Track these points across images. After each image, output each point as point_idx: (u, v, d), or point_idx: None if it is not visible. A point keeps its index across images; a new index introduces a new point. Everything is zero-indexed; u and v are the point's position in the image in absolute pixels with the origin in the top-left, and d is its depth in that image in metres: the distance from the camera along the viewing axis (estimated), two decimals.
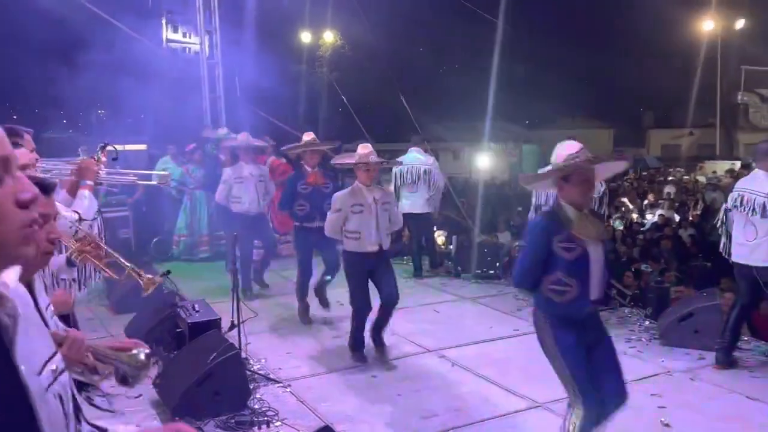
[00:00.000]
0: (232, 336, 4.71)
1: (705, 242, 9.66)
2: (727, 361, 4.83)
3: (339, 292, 6.96)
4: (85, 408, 1.85)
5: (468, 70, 29.18)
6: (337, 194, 5.07)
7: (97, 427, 1.33)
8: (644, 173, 22.67)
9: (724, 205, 5.05)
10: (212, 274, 7.91)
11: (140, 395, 4.25)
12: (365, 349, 5.16)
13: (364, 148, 5.05)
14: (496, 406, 4.23)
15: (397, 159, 7.69)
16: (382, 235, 5.00)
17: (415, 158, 8.00)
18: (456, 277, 7.91)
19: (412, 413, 4.16)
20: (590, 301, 3.12)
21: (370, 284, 5.09)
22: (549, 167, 3.32)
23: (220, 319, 4.93)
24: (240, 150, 7.21)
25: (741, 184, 4.81)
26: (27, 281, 1.33)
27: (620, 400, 3.23)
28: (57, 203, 1.97)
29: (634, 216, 13.17)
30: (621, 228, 11.55)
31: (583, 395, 3.10)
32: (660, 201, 14.48)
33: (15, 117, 19.97)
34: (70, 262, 2.77)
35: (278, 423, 4.00)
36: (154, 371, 4.60)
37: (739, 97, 32.31)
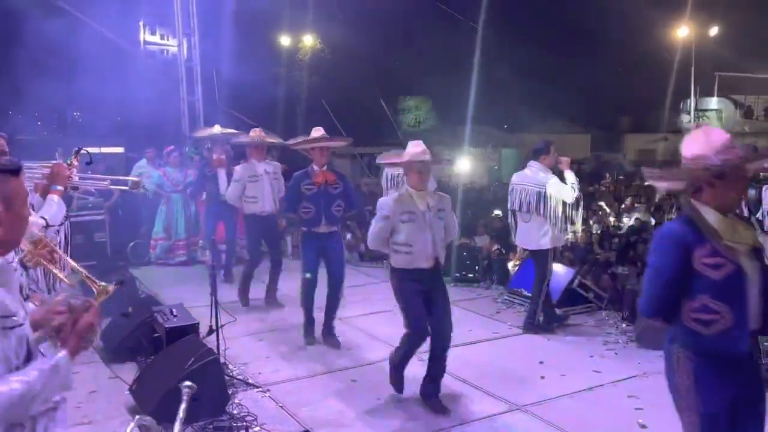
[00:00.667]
0: (210, 341, 4.67)
1: None
2: None
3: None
4: (60, 413, 1.82)
5: (448, 74, 29.33)
6: (384, 199, 4.35)
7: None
8: (621, 177, 22.93)
9: None
10: (190, 278, 7.84)
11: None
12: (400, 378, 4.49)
13: (417, 146, 4.29)
14: (476, 409, 4.25)
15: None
16: (438, 247, 4.26)
17: None
18: None
19: (392, 417, 4.16)
20: (748, 333, 2.41)
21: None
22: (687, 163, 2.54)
23: (198, 323, 4.88)
24: (252, 147, 6.75)
25: None
26: None
27: None
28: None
29: (611, 219, 13.32)
30: (598, 231, 11.68)
31: None
32: (637, 205, 14.67)
33: None
34: (22, 265, 2.72)
35: (257, 428, 3.97)
36: (130, 375, 4.55)
37: (713, 102, 32.93)
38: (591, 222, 12.13)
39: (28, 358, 1.70)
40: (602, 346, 5.52)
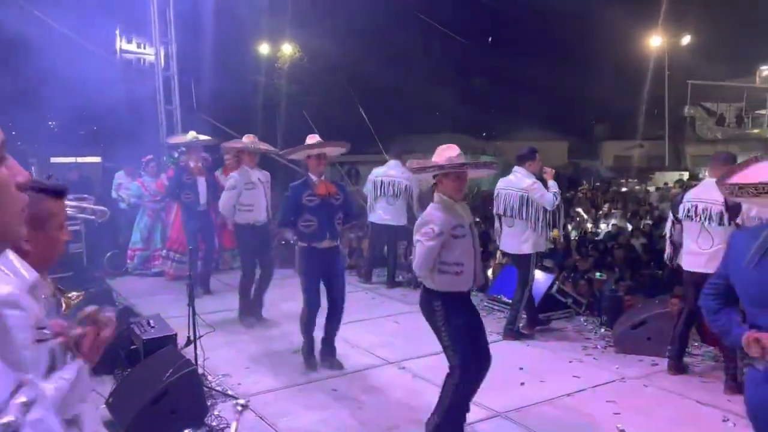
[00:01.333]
0: (188, 352, 4.62)
1: (656, 251, 9.95)
2: (678, 367, 4.97)
3: (293, 305, 6.91)
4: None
5: (426, 82, 29.51)
6: (432, 213, 3.61)
7: None
8: (597, 184, 23.23)
9: (670, 216, 5.17)
10: (168, 288, 7.76)
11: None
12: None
13: (452, 149, 3.66)
14: None
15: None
16: (479, 267, 3.81)
17: (398, 171, 7.84)
18: (416, 288, 7.93)
19: (373, 426, 4.14)
20: None
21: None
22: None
23: (176, 334, 4.83)
24: (246, 154, 6.45)
25: (693, 194, 4.87)
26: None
27: None
28: None
29: (589, 226, 13.47)
30: (576, 237, 11.81)
31: None
32: (613, 211, 14.86)
33: None
34: None
35: None
36: (106, 388, 4.48)
37: (686, 110, 33.54)
38: (569, 228, 12.25)
39: (51, 369, 1.71)
40: (581, 351, 5.57)
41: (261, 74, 26.09)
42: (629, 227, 12.54)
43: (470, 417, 4.13)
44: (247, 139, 6.55)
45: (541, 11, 31.34)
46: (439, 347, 3.96)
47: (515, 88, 31.25)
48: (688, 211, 4.78)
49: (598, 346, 5.68)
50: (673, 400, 4.53)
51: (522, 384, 4.78)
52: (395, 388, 4.79)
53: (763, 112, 33.81)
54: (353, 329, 5.92)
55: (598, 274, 8.47)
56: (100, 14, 11.52)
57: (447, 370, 3.76)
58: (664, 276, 8.48)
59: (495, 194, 6.00)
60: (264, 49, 27.47)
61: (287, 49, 28.81)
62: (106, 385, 4.67)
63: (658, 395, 4.62)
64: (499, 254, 7.58)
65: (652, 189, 20.87)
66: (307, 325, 5.13)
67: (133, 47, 12.34)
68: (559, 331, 6.17)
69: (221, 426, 4.07)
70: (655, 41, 31.05)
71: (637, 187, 21.94)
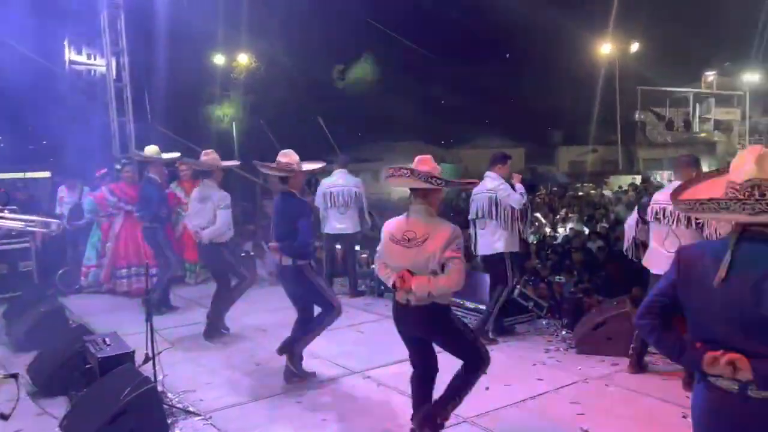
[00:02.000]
0: (147, 369, 4.48)
1: (612, 253, 10.15)
2: (638, 365, 5.07)
3: (262, 317, 6.81)
4: None
5: (385, 91, 29.64)
6: (455, 226, 3.54)
7: None
8: (554, 189, 23.64)
9: (635, 217, 5.24)
10: (124, 305, 7.56)
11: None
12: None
13: (428, 162, 3.65)
14: None
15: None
16: None
17: (345, 180, 7.95)
18: (379, 296, 7.93)
19: None
20: None
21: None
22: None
23: (133, 351, 4.68)
24: (217, 171, 6.32)
25: (660, 196, 4.92)
26: None
27: None
28: None
29: (547, 230, 13.68)
30: (534, 242, 11.96)
31: None
32: (570, 215, 15.14)
33: None
34: None
35: None
36: (61, 410, 4.31)
37: (637, 115, 34.53)
38: (528, 233, 12.40)
39: None
40: (544, 354, 5.63)
41: (217, 85, 25.81)
42: (586, 230, 12.78)
43: None
44: (207, 157, 6.35)
45: (496, 21, 31.88)
46: (405, 355, 3.94)
47: (473, 96, 31.71)
48: (657, 213, 4.85)
49: (561, 348, 5.75)
50: (635, 398, 4.60)
51: (487, 389, 4.78)
52: (360, 397, 4.74)
53: (709, 116, 35.07)
54: (316, 339, 5.84)
55: (557, 277, 8.58)
56: (48, 25, 11.20)
57: (409, 379, 3.77)
58: (622, 277, 8.65)
59: (471, 201, 6.17)
60: (219, 59, 27.20)
61: (243, 59, 28.59)
62: (60, 406, 4.50)
63: (619, 395, 4.69)
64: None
65: (607, 192, 21.35)
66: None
67: (83, 58, 12.01)
68: (522, 334, 6.22)
69: None
70: (605, 49, 31.91)
71: (592, 191, 22.42)
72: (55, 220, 7.54)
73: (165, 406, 4.32)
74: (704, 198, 2.11)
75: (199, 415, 4.44)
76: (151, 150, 7.38)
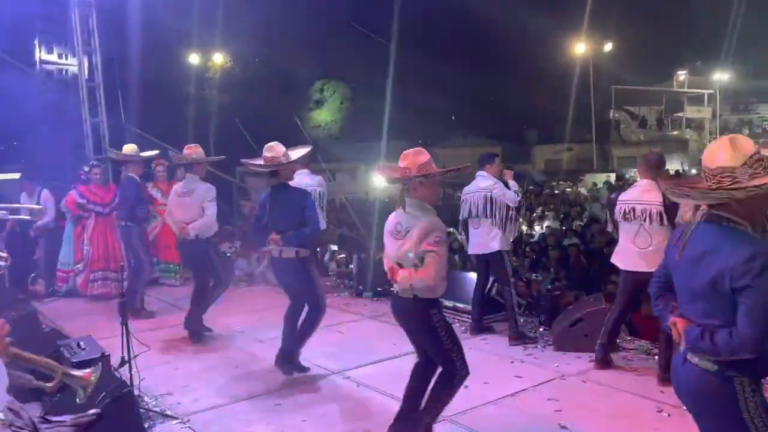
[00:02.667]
0: (123, 373, 4.42)
1: (588, 250, 10.28)
2: (604, 361, 5.13)
3: (240, 318, 6.77)
4: None
5: (363, 90, 29.63)
6: (434, 220, 3.52)
7: None
8: (531, 187, 23.86)
9: (608, 216, 5.34)
10: (99, 309, 7.44)
11: None
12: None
13: (423, 155, 3.62)
14: None
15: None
16: None
17: (309, 179, 7.83)
18: (358, 296, 7.92)
19: None
20: None
21: None
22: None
23: (108, 355, 4.60)
24: (199, 165, 6.22)
25: (628, 196, 4.98)
26: None
27: None
28: None
29: (524, 228, 13.80)
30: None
31: None
32: (547, 213, 15.29)
33: None
34: None
35: None
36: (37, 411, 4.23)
37: (611, 114, 35.02)
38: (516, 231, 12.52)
39: None
40: (522, 351, 5.67)
41: (192, 84, 25.55)
42: (563, 228, 12.92)
43: None
44: (193, 150, 6.26)
45: (471, 21, 32.05)
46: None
47: (449, 96, 31.84)
48: (625, 213, 4.90)
49: (538, 346, 5.79)
50: (611, 394, 4.66)
51: (466, 386, 4.78)
52: (340, 398, 4.73)
53: (680, 114, 35.67)
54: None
55: (534, 275, 8.67)
56: (16, 23, 10.97)
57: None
58: (597, 274, 8.77)
59: (462, 201, 6.13)
60: (194, 59, 26.94)
61: (218, 58, 28.35)
62: (34, 412, 4.41)
63: (596, 390, 4.75)
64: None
65: (583, 190, 21.61)
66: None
67: (54, 57, 11.79)
68: (500, 332, 6.25)
69: None
70: (579, 48, 32.29)
71: (568, 189, 22.66)
72: (36, 206, 7.46)
73: (142, 410, 4.26)
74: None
75: (176, 418, 4.39)
76: (129, 148, 7.29)
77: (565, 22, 31.15)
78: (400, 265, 3.55)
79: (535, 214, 15.67)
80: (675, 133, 35.55)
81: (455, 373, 3.67)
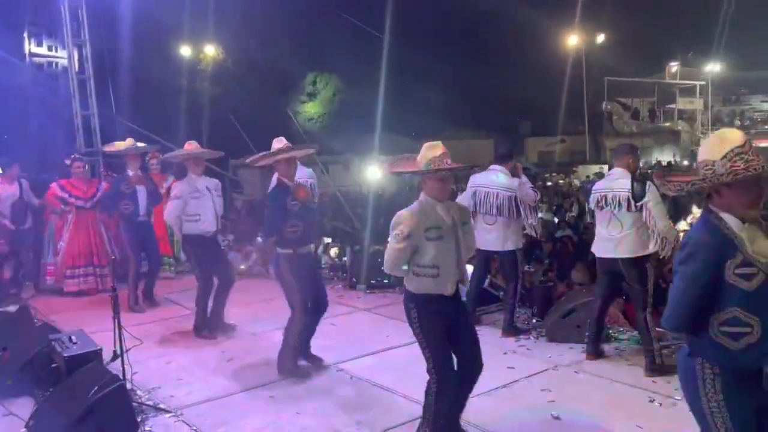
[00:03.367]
0: (115, 367, 4.41)
1: (580, 241, 10.29)
2: (595, 352, 5.17)
3: (233, 311, 6.75)
4: None
5: (355, 83, 29.53)
6: (403, 214, 3.52)
7: None
8: None
9: (587, 206, 5.44)
10: (92, 303, 7.41)
11: None
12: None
13: (435, 149, 3.52)
14: (399, 414, 4.24)
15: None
16: (464, 269, 3.62)
17: (300, 173, 7.80)
18: (351, 288, 7.92)
19: (312, 431, 4.07)
20: None
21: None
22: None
23: (101, 349, 4.60)
24: (191, 162, 6.17)
25: (600, 185, 5.14)
26: None
27: None
28: None
29: (531, 221, 13.79)
30: None
31: None
32: (540, 204, 15.30)
33: None
34: None
35: None
36: (27, 411, 4.22)
37: (604, 105, 35.04)
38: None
39: None
40: (515, 342, 5.69)
41: (183, 77, 25.39)
42: (556, 220, 12.93)
43: (413, 414, 4.10)
44: (190, 147, 6.26)
45: (464, 13, 31.96)
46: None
47: (442, 88, 31.77)
48: (598, 201, 5.02)
49: (531, 337, 5.81)
50: (603, 384, 4.69)
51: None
52: (334, 390, 4.74)
53: (673, 106, 35.76)
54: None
55: (527, 266, 8.67)
56: (5, 15, 10.86)
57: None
58: (590, 265, 8.78)
59: (472, 192, 5.97)
60: (186, 51, 26.76)
61: (210, 50, 28.18)
62: (26, 407, 4.39)
63: (589, 381, 4.77)
64: None
65: (576, 182, 21.66)
66: (301, 333, 5.06)
67: (43, 50, 11.66)
68: (493, 324, 6.27)
69: None
70: (572, 40, 32.25)
71: (561, 181, 22.70)
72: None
73: (134, 404, 4.25)
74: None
75: (169, 411, 4.38)
76: (125, 143, 7.31)
77: (558, 14, 31.11)
78: None
79: None
80: (667, 124, 35.64)
81: (431, 381, 3.59)
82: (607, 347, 5.38)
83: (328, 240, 10.04)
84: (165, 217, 6.24)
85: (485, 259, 6.16)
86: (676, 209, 10.51)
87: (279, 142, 5.17)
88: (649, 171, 18.52)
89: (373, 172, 18.25)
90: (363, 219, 10.90)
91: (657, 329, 4.81)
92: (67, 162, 7.98)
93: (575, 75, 32.24)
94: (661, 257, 5.09)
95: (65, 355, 4.43)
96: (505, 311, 6.03)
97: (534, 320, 6.27)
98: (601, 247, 5.07)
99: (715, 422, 2.36)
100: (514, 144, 37.10)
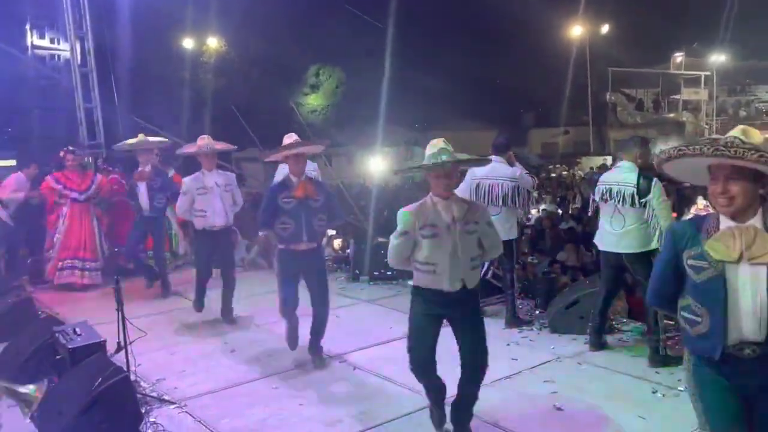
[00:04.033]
0: (119, 359, 4.43)
1: (584, 233, 10.28)
2: (597, 344, 5.16)
3: (236, 303, 6.77)
4: None
5: (358, 74, 29.45)
6: (404, 211, 3.56)
7: None
8: (527, 170, 23.84)
9: (591, 197, 5.37)
10: (96, 295, 7.44)
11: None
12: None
13: (431, 146, 3.52)
14: (401, 405, 4.25)
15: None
16: (466, 267, 3.57)
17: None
18: (354, 280, 7.94)
19: (316, 421, 4.09)
20: (722, 344, 2.31)
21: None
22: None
23: (105, 341, 4.61)
24: (202, 157, 6.21)
25: (607, 177, 5.06)
26: None
27: None
28: None
29: (520, 211, 13.78)
30: None
31: None
32: (543, 196, 15.27)
33: None
34: None
35: None
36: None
37: (608, 96, 34.87)
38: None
39: None
40: (518, 333, 5.70)
41: (186, 69, 25.34)
42: (560, 212, 12.92)
43: (416, 405, 4.15)
44: (202, 141, 6.25)
45: (468, 4, 31.79)
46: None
47: (446, 79, 31.64)
48: (603, 193, 4.98)
49: (534, 328, 5.82)
50: (606, 376, 4.69)
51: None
52: (337, 382, 4.75)
53: (677, 96, 35.58)
54: None
55: (531, 258, 8.67)
56: (8, 9, 10.85)
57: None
58: (594, 257, 8.77)
59: (475, 184, 5.91)
60: (188, 43, 26.71)
61: (213, 42, 28.12)
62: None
63: (591, 372, 4.77)
64: None
65: (580, 173, 21.59)
66: (288, 332, 5.18)
67: (46, 43, 11.64)
68: (496, 315, 6.27)
69: None
70: (576, 31, 32.08)
71: (565, 173, 22.64)
72: None
73: (139, 395, 4.27)
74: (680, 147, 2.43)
75: (173, 403, 4.40)
76: (137, 139, 7.38)
77: (562, 5, 30.94)
78: None
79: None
80: (672, 115, 35.45)
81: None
82: (610, 338, 5.38)
83: (332, 232, 10.05)
84: (176, 211, 6.54)
85: None
86: (681, 200, 10.47)
87: (289, 138, 5.15)
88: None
89: (377, 164, 18.21)
90: (366, 211, 10.90)
91: (665, 321, 4.80)
92: (61, 154, 7.98)
93: (579, 66, 32.10)
94: None
95: (69, 346, 4.43)
96: (506, 302, 6.02)
97: (537, 311, 6.26)
98: (605, 240, 5.05)
99: (696, 405, 2.48)
100: (517, 135, 37.05)
